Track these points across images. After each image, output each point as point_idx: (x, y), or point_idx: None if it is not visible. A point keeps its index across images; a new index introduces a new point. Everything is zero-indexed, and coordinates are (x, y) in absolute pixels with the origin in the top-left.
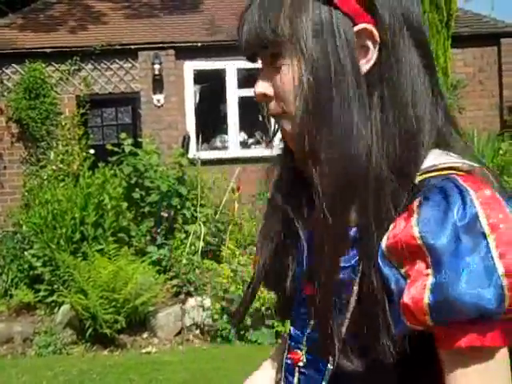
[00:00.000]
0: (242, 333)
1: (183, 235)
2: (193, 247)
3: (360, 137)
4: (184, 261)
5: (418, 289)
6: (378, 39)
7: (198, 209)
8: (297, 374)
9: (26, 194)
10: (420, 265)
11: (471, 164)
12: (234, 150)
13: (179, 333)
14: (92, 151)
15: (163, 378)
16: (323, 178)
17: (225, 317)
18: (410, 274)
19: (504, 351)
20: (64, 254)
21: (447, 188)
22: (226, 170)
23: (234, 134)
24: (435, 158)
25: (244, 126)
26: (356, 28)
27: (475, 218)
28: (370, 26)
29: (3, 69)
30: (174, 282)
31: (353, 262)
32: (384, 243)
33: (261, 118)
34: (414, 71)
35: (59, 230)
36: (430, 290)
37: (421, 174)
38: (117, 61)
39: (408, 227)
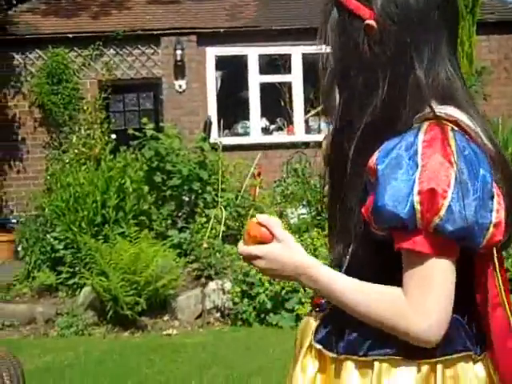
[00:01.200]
0: (262, 316)
1: (204, 219)
2: (213, 231)
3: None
4: (205, 244)
5: (369, 199)
6: (377, 27)
7: (219, 193)
8: None
9: (49, 178)
10: (374, 182)
11: (450, 114)
12: (255, 136)
13: (200, 316)
14: (114, 136)
15: (183, 359)
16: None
17: (245, 300)
18: (369, 189)
19: (443, 264)
20: (86, 237)
21: (411, 130)
22: (247, 156)
23: (256, 120)
24: (431, 109)
25: (265, 112)
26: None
27: (415, 152)
28: (371, 22)
29: (26, 54)
30: (195, 265)
31: None
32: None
33: (282, 104)
34: (420, 47)
35: (81, 213)
36: (372, 200)
37: (416, 121)
38: (139, 46)
39: (375, 154)
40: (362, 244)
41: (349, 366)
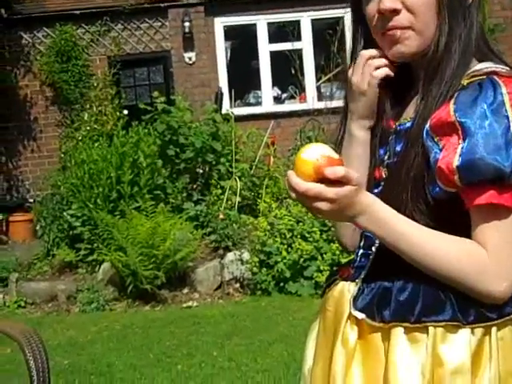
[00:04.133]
0: (281, 285)
1: (219, 191)
2: (229, 202)
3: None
4: (221, 216)
5: (450, 155)
6: None
7: (234, 164)
8: None
9: (63, 156)
10: (454, 137)
11: (508, 69)
12: (267, 106)
13: (219, 287)
14: (126, 112)
15: (204, 330)
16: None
17: (263, 269)
18: (445, 146)
19: None
20: (102, 213)
21: (484, 82)
22: (260, 126)
23: (267, 89)
24: (481, 65)
25: (277, 80)
26: None
27: (502, 104)
28: None
29: (34, 33)
30: (212, 237)
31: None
32: (428, 123)
33: (293, 72)
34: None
35: (96, 190)
36: (459, 154)
37: (469, 78)
38: (146, 20)
39: (447, 108)
40: (418, 205)
41: (397, 333)
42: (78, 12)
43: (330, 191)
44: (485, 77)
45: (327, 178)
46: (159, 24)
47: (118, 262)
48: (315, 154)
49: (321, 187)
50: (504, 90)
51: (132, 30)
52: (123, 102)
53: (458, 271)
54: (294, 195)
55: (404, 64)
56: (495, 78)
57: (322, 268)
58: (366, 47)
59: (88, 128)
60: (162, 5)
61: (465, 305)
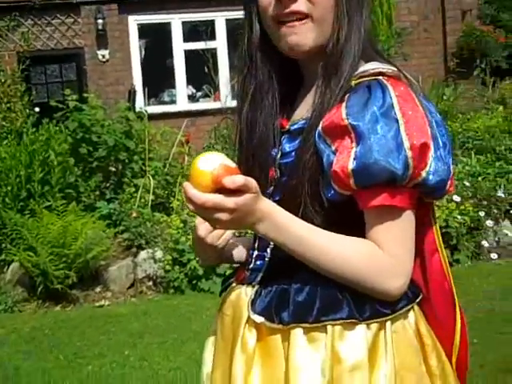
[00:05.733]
0: (194, 283)
1: (132, 189)
2: (142, 200)
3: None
4: (134, 214)
5: (345, 158)
6: None
7: (147, 162)
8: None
9: None
10: (346, 140)
11: (394, 69)
12: (182, 104)
13: (132, 285)
14: (37, 109)
15: (116, 329)
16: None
17: (176, 267)
18: (338, 149)
19: (410, 214)
20: (10, 212)
21: (372, 84)
22: (174, 124)
23: (182, 87)
24: (367, 66)
25: (191, 79)
26: None
27: (391, 107)
28: None
29: None
30: (125, 235)
31: (296, 142)
32: (320, 126)
33: (207, 71)
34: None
35: (4, 188)
36: (353, 158)
37: (357, 79)
38: (58, 16)
39: (339, 111)
40: (314, 208)
41: (296, 334)
42: None
43: (230, 201)
44: (372, 78)
45: (226, 187)
46: (71, 20)
47: (28, 262)
48: (211, 163)
49: (220, 198)
50: (392, 92)
51: (43, 25)
52: (34, 99)
53: (358, 273)
54: (191, 207)
55: (291, 61)
56: (383, 79)
57: (234, 265)
58: (261, 44)
59: None
60: (74, 1)
61: (361, 302)
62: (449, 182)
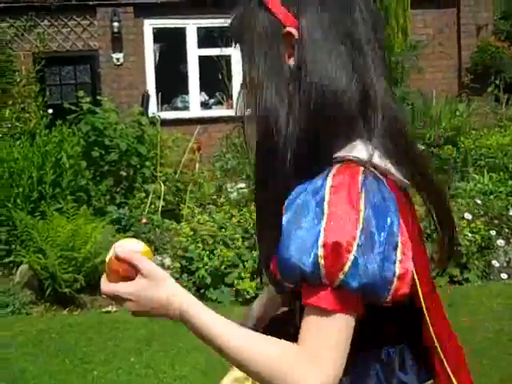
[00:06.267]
0: (201, 291)
1: (143, 194)
2: (153, 206)
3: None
4: (144, 220)
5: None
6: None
7: (158, 168)
8: None
9: None
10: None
11: (358, 157)
12: (194, 111)
13: None
14: (50, 111)
15: (123, 335)
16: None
17: (184, 275)
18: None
19: (344, 319)
20: (21, 214)
21: (321, 174)
22: (186, 130)
23: (195, 94)
24: (344, 151)
25: (205, 86)
26: (284, 31)
27: (322, 199)
28: (293, 30)
29: None
30: None
31: None
32: None
33: (221, 78)
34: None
35: (16, 189)
36: (277, 252)
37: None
38: (74, 17)
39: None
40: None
41: None
42: (1, 5)
43: (123, 290)
44: (335, 164)
45: (120, 274)
46: (87, 22)
47: (37, 265)
48: (113, 251)
49: (116, 288)
50: (329, 182)
51: (59, 27)
52: (48, 100)
53: (271, 375)
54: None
55: None
56: (335, 167)
57: (242, 275)
58: None
59: (9, 125)
60: (90, 3)
61: None
62: (393, 286)
